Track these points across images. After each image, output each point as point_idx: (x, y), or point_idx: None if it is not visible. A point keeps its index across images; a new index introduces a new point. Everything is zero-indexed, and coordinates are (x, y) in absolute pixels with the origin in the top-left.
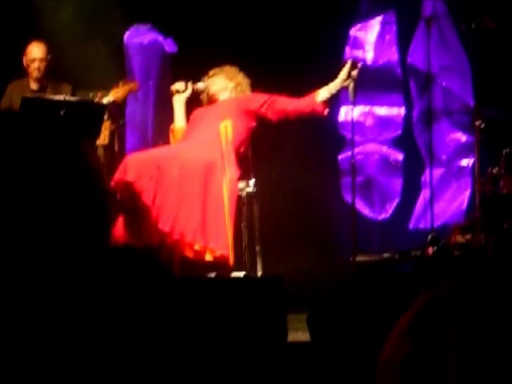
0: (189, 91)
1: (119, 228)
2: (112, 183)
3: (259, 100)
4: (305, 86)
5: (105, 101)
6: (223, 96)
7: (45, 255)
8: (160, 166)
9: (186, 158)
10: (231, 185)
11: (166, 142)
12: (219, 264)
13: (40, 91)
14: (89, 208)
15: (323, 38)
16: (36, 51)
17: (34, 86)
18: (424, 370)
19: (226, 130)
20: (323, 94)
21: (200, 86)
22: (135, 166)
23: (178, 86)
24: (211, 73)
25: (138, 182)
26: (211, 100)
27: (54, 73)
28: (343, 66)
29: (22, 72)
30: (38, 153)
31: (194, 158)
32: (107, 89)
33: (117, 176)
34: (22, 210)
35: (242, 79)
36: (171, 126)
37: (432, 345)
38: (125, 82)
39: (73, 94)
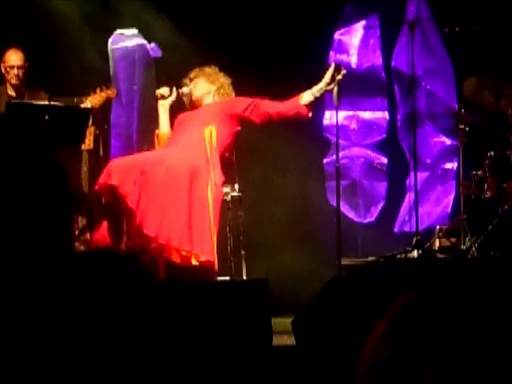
0: (174, 96)
1: (103, 232)
2: (96, 187)
3: (243, 104)
4: (289, 89)
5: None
6: (207, 100)
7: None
8: (144, 171)
9: (171, 162)
10: (216, 190)
11: (151, 146)
12: (204, 269)
13: (17, 98)
14: (49, 211)
15: (307, 42)
16: (14, 58)
17: (11, 92)
18: (403, 372)
19: (211, 136)
20: (307, 97)
21: (185, 90)
22: (119, 171)
23: (163, 90)
24: (192, 75)
25: (122, 186)
26: (195, 105)
27: (31, 80)
28: (327, 69)
29: None
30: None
31: (179, 162)
32: (86, 95)
33: (101, 180)
34: None
35: (223, 80)
36: (156, 132)
37: (412, 347)
38: (102, 88)
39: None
